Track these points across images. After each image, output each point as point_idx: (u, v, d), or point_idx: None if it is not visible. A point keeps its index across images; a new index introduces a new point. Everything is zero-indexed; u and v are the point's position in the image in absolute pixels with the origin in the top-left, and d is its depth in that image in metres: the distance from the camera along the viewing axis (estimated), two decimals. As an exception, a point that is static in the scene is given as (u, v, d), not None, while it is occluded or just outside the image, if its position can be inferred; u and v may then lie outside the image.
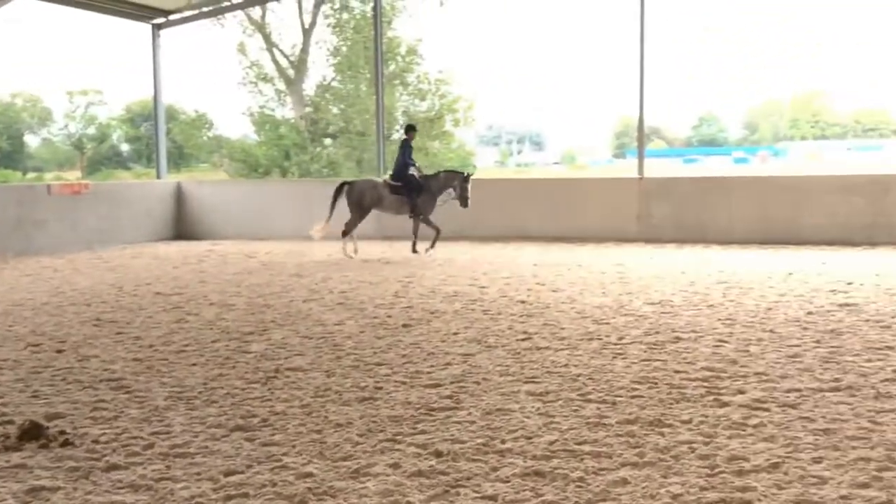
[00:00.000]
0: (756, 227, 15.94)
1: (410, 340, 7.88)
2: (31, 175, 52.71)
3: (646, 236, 16.48)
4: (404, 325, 8.60)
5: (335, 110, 33.69)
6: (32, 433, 5.09)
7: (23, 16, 43.74)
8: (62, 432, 5.20)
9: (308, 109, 33.90)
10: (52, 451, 4.92)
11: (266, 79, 34.19)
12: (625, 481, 4.34)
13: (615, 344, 7.57)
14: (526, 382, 6.31)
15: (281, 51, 33.79)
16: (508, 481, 4.36)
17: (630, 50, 17.25)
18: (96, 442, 5.08)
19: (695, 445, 4.86)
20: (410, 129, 15.58)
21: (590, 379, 6.37)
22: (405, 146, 15.20)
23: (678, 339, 7.73)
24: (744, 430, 5.12)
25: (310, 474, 4.50)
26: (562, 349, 7.39)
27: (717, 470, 4.47)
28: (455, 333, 8.16)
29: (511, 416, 5.49)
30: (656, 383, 6.21)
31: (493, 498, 4.15)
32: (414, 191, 14.90)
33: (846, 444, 4.86)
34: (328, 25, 33.93)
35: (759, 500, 4.07)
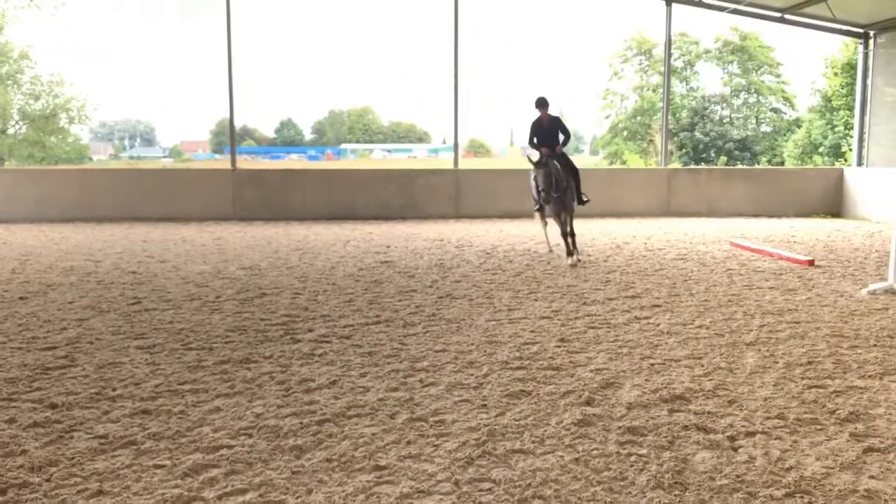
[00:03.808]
0: (324, 208, 16.43)
1: (27, 311, 6.94)
2: None
3: (240, 216, 16.21)
4: (21, 298, 7.55)
5: (-54, 105, 28.48)
6: None
7: None
8: None
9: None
10: None
11: None
12: (218, 409, 4.25)
13: (213, 301, 7.35)
14: (136, 339, 5.88)
15: None
16: (118, 421, 4.05)
17: (218, 60, 16.71)
18: None
19: (274, 374, 4.90)
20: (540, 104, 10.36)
21: (191, 331, 6.12)
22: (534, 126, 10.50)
23: (264, 294, 7.72)
24: (312, 359, 5.27)
25: (-80, 439, 3.79)
26: (168, 309, 7.01)
27: (290, 391, 4.56)
28: (71, 302, 7.34)
29: (122, 367, 5.09)
30: (245, 330, 6.15)
31: (104, 437, 3.83)
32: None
33: (383, 361, 5.23)
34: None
35: (322, 409, 4.22)
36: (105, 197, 16.04)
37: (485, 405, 4.29)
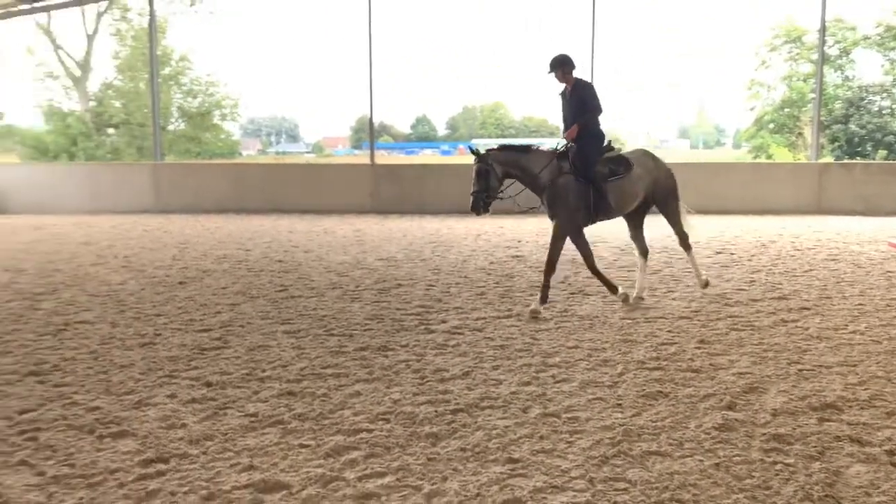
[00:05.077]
0: (457, 202, 16.59)
1: (186, 295, 7.48)
2: None
3: (377, 209, 16.70)
4: (180, 283, 8.15)
5: (118, 104, 31.14)
6: None
7: None
8: None
9: (93, 103, 31.18)
10: None
11: (53, 76, 31.00)
12: (358, 393, 4.41)
13: (353, 291, 7.63)
14: (282, 324, 6.21)
15: (67, 53, 30.71)
16: (267, 401, 4.30)
17: (360, 57, 17.25)
18: None
19: (410, 363, 5.03)
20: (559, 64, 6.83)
21: (333, 318, 6.39)
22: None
23: (399, 285, 7.92)
24: (445, 350, 5.36)
25: (97, 408, 4.19)
26: (311, 297, 7.34)
27: (426, 380, 4.66)
28: (224, 288, 7.85)
29: (270, 350, 5.39)
30: (383, 319, 6.34)
31: (254, 415, 4.07)
32: None
33: (515, 354, 5.24)
34: (110, 34, 31.47)
35: (455, 399, 4.28)
36: (254, 190, 16.97)
37: (620, 404, 4.21)
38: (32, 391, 4.48)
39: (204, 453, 3.56)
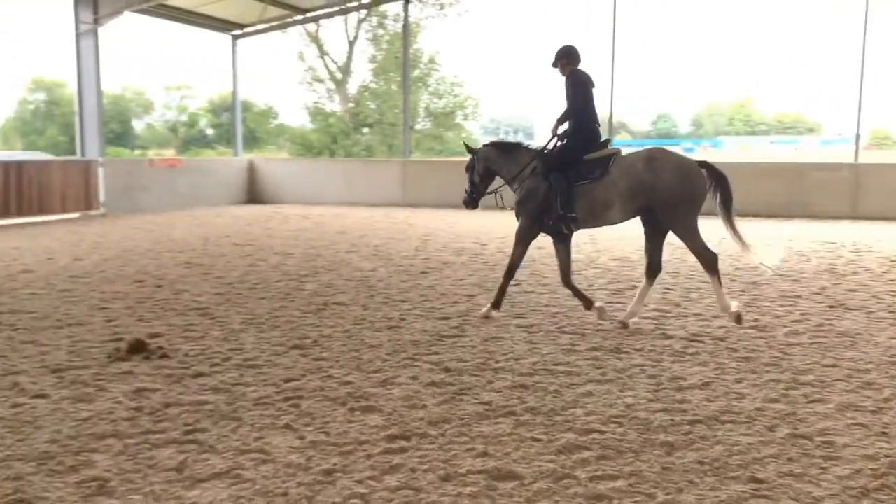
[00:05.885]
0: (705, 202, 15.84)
1: (427, 284, 7.90)
2: (137, 152, 52.69)
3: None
4: (423, 273, 8.62)
5: (372, 105, 33.67)
6: (138, 348, 5.16)
7: (131, 27, 43.42)
8: (161, 347, 5.27)
9: (351, 105, 34.03)
10: (153, 361, 4.99)
11: (319, 80, 34.24)
12: (590, 393, 4.37)
13: (586, 290, 7.54)
14: (515, 318, 6.33)
15: (331, 58, 33.76)
16: (500, 392, 4.40)
17: (603, 56, 17.01)
18: (187, 355, 5.15)
19: (645, 367, 4.88)
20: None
21: (565, 316, 6.39)
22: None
23: (634, 287, 7.68)
24: (683, 357, 5.14)
25: (350, 382, 4.56)
26: (544, 293, 7.40)
27: (661, 387, 4.50)
28: (461, 279, 8.17)
29: (503, 342, 5.52)
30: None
31: (488, 404, 4.19)
32: None
33: (762, 368, 4.88)
34: (367, 39, 34.01)
35: (693, 410, 4.09)
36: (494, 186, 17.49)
37: (885, 433, 3.75)
38: (296, 363, 4.99)
39: (442, 435, 3.73)
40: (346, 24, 33.15)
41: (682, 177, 5.81)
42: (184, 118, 59.77)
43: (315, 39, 33.45)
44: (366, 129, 34.31)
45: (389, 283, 7.94)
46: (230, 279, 8.16)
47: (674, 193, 5.76)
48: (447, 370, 4.81)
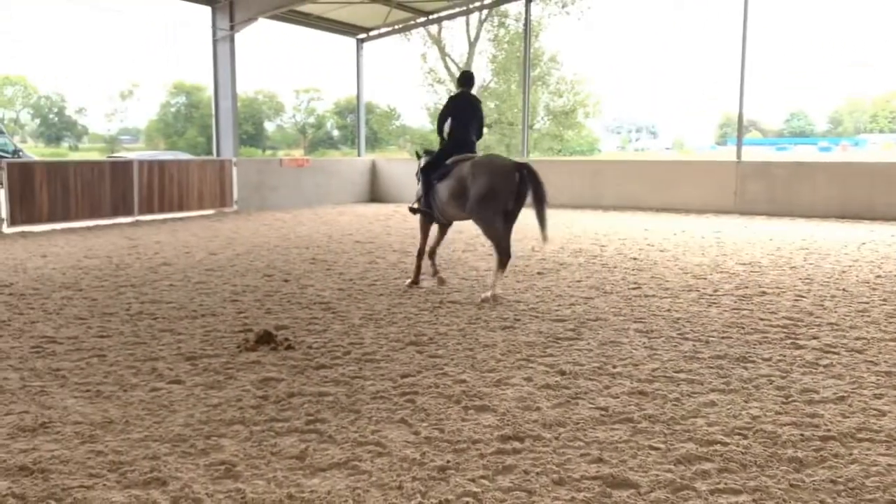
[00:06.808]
0: (836, 204, 14.88)
1: (543, 285, 7.83)
2: (268, 152, 55.36)
3: (741, 210, 15.70)
4: (538, 273, 8.55)
5: (491, 105, 33.77)
6: (265, 339, 5.40)
7: (263, 33, 45.72)
8: (286, 339, 5.50)
9: (471, 105, 34.36)
10: (279, 352, 5.21)
11: (439, 81, 34.66)
12: (713, 403, 4.19)
13: (710, 295, 7.27)
14: (635, 322, 6.17)
15: (452, 59, 34.10)
16: (618, 397, 4.30)
17: (732, 53, 16.30)
18: (310, 347, 5.35)
19: (773, 378, 4.63)
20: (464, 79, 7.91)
21: (688, 322, 6.17)
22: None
23: (763, 293, 7.35)
24: (815, 369, 4.84)
25: (464, 381, 4.58)
26: (665, 297, 7.17)
27: (790, 399, 4.26)
28: (578, 281, 8.05)
29: (621, 347, 5.39)
30: (743, 328, 5.94)
31: (605, 409, 4.10)
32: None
33: (906, 385, 4.52)
34: (488, 39, 34.11)
35: (826, 425, 3.84)
36: (611, 186, 17.13)
37: None
38: (412, 359, 5.07)
39: (556, 438, 3.69)
40: (467, 24, 33.43)
41: (484, 176, 6.95)
42: (312, 120, 62.27)
43: (437, 41, 33.92)
44: (485, 129, 34.56)
45: (504, 283, 7.92)
46: (351, 275, 8.41)
47: (474, 191, 6.98)
48: (562, 373, 4.75)
